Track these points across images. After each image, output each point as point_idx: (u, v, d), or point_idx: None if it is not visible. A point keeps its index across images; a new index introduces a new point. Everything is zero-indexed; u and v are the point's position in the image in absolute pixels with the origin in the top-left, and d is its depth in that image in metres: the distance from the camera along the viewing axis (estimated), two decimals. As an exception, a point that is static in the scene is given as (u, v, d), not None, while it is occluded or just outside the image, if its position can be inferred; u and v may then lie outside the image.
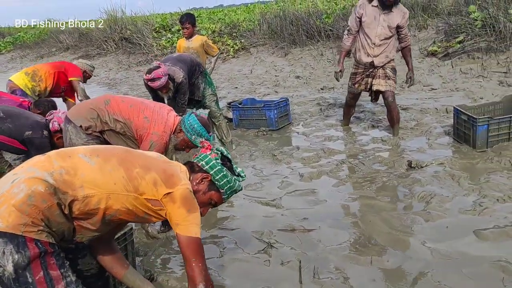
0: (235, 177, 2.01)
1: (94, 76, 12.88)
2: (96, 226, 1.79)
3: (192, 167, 1.97)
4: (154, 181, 1.78)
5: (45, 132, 3.67)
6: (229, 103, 6.33)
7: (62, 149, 1.86)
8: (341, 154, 4.61)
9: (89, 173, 1.71)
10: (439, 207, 3.25)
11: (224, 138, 5.28)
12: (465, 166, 3.95)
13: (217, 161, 1.97)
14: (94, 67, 5.89)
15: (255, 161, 4.70)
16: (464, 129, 4.40)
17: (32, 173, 1.65)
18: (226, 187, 1.97)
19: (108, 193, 1.72)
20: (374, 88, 4.91)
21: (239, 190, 2.05)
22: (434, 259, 2.65)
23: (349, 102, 5.37)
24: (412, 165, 4.04)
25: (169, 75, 4.36)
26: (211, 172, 1.95)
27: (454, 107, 4.62)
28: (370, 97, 5.25)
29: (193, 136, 2.93)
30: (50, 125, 3.69)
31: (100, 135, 3.09)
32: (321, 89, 7.79)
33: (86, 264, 1.97)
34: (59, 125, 3.64)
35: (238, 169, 2.06)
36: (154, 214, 1.83)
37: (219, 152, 2.01)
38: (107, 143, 3.09)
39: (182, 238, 1.78)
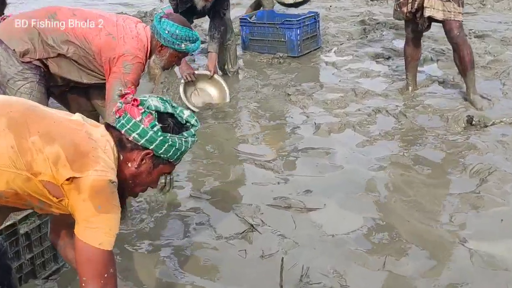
0: (184, 136, 1.76)
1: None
2: None
3: (120, 142, 1.71)
4: (55, 157, 1.58)
5: None
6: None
7: None
8: (377, 99, 4.41)
9: None
10: (496, 189, 3.05)
11: (230, 66, 5.06)
12: (547, 129, 3.64)
13: (154, 129, 1.69)
14: None
15: (260, 102, 4.53)
16: (555, 74, 3.98)
17: None
18: (176, 155, 1.78)
19: None
20: (426, 13, 3.96)
21: (193, 145, 1.85)
22: (473, 267, 2.46)
23: (408, 36, 4.32)
24: (473, 122, 3.82)
25: None
26: (151, 147, 1.71)
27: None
28: (418, 25, 4.17)
29: (182, 44, 2.96)
30: None
31: (41, 66, 2.91)
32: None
33: None
34: None
35: (185, 114, 1.79)
36: (52, 204, 1.65)
37: (154, 111, 1.71)
38: (52, 77, 2.94)
39: (78, 243, 1.59)
